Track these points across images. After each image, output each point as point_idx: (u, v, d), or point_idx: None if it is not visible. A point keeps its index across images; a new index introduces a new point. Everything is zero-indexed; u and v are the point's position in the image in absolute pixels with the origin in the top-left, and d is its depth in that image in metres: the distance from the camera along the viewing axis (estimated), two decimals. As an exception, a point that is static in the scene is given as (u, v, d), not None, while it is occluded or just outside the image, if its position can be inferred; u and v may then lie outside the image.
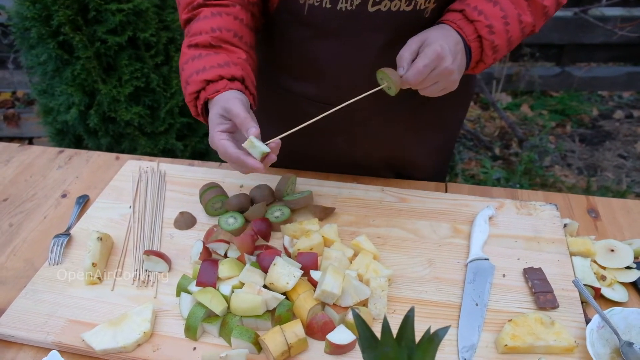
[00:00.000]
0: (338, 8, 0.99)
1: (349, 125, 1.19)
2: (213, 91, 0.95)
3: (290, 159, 1.29)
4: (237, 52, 1.00)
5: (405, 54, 0.92)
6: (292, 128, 0.95)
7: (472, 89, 1.29)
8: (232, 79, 0.97)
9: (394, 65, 0.94)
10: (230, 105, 0.92)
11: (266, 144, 0.91)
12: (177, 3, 1.07)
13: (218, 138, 0.93)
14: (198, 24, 1.00)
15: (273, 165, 1.31)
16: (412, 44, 0.93)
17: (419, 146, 1.27)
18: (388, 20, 0.99)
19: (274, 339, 0.86)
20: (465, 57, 0.96)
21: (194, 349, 0.90)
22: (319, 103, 1.12)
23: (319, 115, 0.96)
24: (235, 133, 0.95)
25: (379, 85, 0.96)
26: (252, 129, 0.89)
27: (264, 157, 0.91)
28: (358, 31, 1.01)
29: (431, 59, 0.89)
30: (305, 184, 1.24)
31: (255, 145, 0.89)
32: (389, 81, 0.93)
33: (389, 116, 1.18)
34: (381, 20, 0.99)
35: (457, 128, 1.35)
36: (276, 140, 0.92)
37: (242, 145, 0.90)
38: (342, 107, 0.97)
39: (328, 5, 0.99)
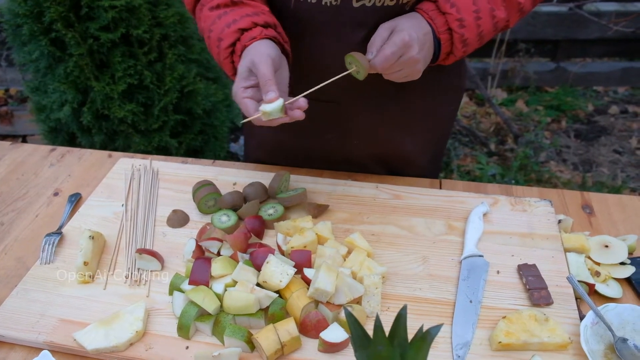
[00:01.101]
0: (323, 3, 0.99)
1: (339, 121, 1.19)
2: (249, 39, 0.94)
3: (284, 157, 1.29)
4: (260, 6, 1.00)
5: (376, 39, 0.93)
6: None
7: (463, 84, 1.29)
8: (266, 25, 0.96)
9: None
10: (258, 61, 0.89)
11: (289, 102, 0.90)
12: None
13: (241, 95, 0.92)
14: None
15: (266, 163, 1.31)
16: (383, 30, 0.94)
17: (411, 143, 1.26)
18: (372, 15, 0.99)
19: (267, 337, 0.85)
20: (432, 48, 0.96)
21: (187, 347, 0.89)
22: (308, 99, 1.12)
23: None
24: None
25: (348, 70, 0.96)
26: (271, 93, 0.87)
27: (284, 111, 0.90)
28: (343, 26, 1.01)
29: (398, 46, 0.90)
30: (299, 181, 1.23)
31: (269, 113, 0.88)
32: (357, 65, 0.93)
33: (378, 112, 1.17)
34: (366, 15, 0.99)
35: (449, 124, 1.35)
36: (299, 100, 0.91)
37: (260, 109, 0.89)
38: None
39: (313, 0, 0.99)
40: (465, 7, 0.94)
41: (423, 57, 0.93)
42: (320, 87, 0.95)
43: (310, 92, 0.93)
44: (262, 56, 0.90)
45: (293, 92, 1.14)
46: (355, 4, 0.98)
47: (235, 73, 0.98)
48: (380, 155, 1.28)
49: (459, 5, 0.94)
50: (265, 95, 0.88)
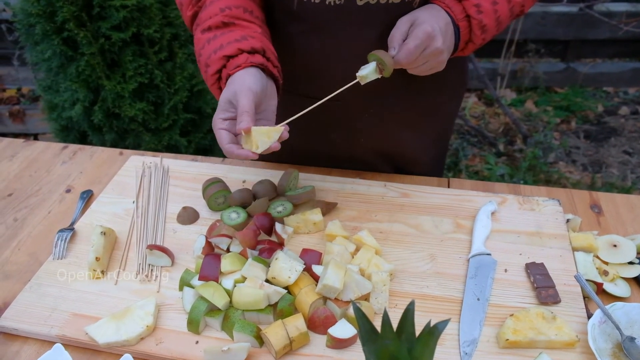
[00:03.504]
0: (327, 2, 0.99)
1: (343, 120, 1.19)
2: (234, 66, 0.93)
3: (291, 156, 1.29)
4: (252, 27, 0.98)
5: (396, 34, 0.93)
6: (290, 126, 0.95)
7: (465, 79, 1.29)
8: (252, 51, 0.94)
9: None
10: (240, 93, 0.89)
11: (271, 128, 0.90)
12: (178, 4, 1.06)
13: (218, 126, 0.92)
14: (206, 11, 0.99)
15: (275, 161, 1.32)
16: (402, 25, 0.94)
17: (415, 140, 1.27)
18: (378, 13, 0.99)
19: (276, 332, 0.86)
20: (454, 37, 0.96)
21: (197, 342, 0.90)
22: (313, 99, 1.12)
23: (314, 111, 0.96)
24: None
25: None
26: (242, 123, 0.87)
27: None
28: (348, 25, 1.01)
29: (422, 39, 0.90)
30: (308, 179, 1.24)
31: (366, 76, 0.93)
32: (382, 62, 0.93)
33: (381, 110, 1.18)
34: (371, 14, 0.99)
35: (452, 120, 1.35)
36: (283, 126, 0.91)
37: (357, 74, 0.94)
38: (341, 97, 0.98)
39: (317, 0, 0.99)
40: None
41: (447, 47, 0.94)
42: (345, 88, 0.97)
43: (312, 107, 0.96)
44: (243, 89, 0.89)
45: (302, 90, 1.15)
46: (359, 3, 0.98)
47: None
48: (385, 153, 1.29)
49: None
50: (238, 125, 0.88)
